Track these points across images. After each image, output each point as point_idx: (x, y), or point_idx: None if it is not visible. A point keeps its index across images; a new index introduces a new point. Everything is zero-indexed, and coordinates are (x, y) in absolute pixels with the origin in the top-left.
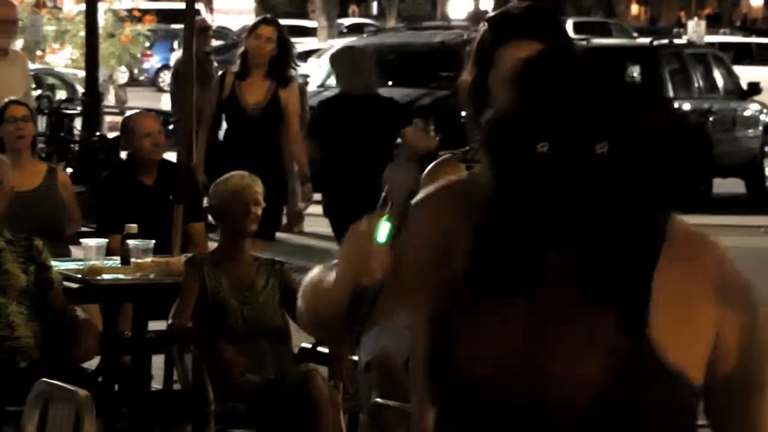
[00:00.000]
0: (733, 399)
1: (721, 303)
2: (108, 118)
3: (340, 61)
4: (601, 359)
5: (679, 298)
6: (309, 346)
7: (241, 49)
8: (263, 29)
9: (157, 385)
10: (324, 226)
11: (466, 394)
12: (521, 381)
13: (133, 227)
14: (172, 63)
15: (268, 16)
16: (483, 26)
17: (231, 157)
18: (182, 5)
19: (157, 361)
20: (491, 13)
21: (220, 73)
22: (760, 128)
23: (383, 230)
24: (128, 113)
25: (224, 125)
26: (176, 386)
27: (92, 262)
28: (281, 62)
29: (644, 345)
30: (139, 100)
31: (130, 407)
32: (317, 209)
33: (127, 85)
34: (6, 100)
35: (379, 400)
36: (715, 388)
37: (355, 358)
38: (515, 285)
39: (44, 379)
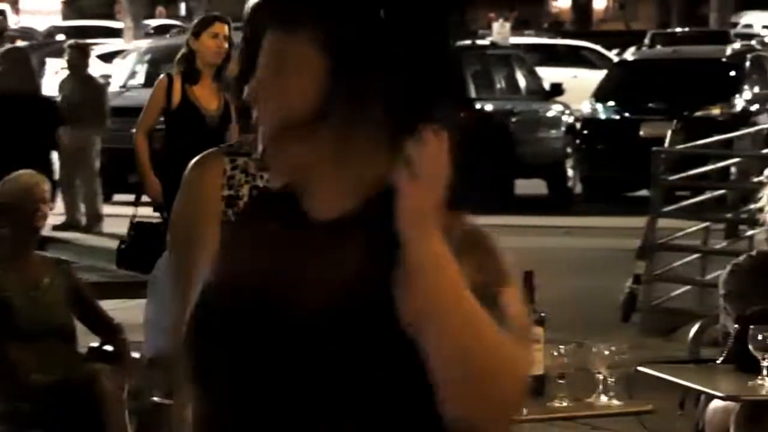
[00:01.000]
0: None
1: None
2: None
3: (6, 60)
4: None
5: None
6: (96, 345)
7: (183, 50)
8: (219, 27)
9: None
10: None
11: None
12: (253, 286)
13: None
14: None
15: (218, 13)
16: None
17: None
18: None
19: None
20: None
21: (161, 77)
22: (563, 129)
23: None
24: None
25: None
26: None
27: None
28: (226, 64)
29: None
30: None
31: None
32: (117, 210)
33: None
34: None
35: (156, 399)
36: None
37: (137, 355)
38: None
39: None
